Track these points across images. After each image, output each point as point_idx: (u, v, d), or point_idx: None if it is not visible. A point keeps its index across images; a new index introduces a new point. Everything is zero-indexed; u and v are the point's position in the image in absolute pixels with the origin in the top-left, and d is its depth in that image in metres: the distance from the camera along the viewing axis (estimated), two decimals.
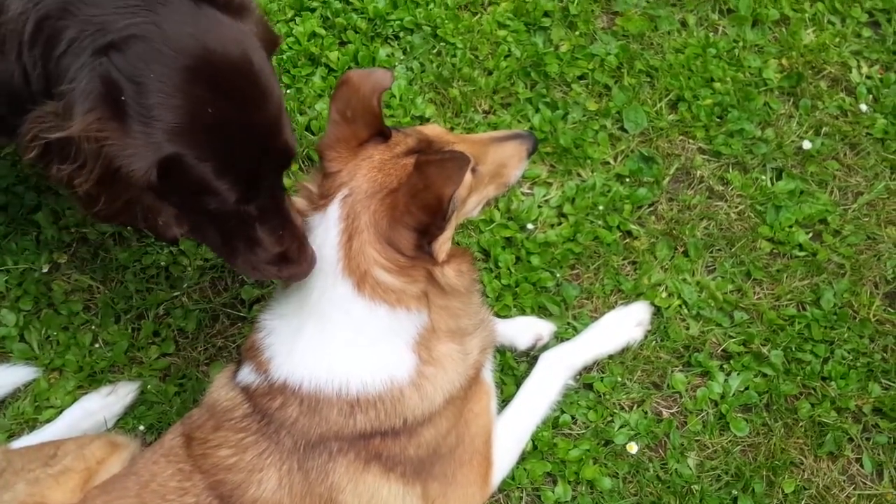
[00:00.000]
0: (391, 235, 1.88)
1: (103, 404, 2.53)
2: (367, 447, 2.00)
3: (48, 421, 2.54)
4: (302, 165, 2.93)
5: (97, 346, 2.66)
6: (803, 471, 2.57)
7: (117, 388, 2.56)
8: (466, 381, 2.16)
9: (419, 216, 1.84)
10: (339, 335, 1.97)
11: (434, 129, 2.12)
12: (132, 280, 2.73)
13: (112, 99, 1.66)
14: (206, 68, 1.71)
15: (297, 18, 3.16)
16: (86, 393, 2.58)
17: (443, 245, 1.95)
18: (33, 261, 2.75)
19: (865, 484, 2.56)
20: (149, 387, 2.58)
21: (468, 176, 2.01)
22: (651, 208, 2.92)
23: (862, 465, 2.58)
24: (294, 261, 1.91)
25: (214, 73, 1.72)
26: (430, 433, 2.09)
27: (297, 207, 2.00)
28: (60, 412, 2.55)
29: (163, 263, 2.76)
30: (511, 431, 2.47)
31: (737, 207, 2.92)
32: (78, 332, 2.66)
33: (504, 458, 2.43)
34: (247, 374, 2.05)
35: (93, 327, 2.68)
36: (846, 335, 2.72)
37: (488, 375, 2.36)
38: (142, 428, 2.53)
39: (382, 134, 1.98)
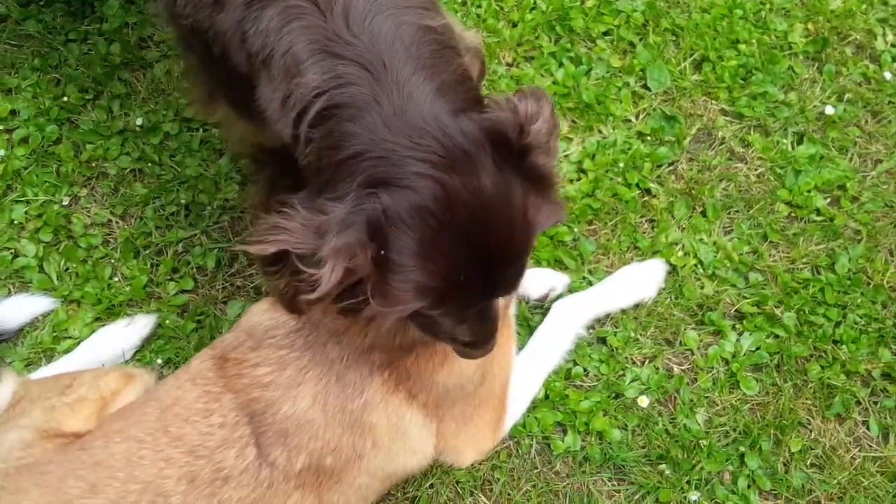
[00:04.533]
0: None
1: (121, 336, 2.55)
2: (403, 364, 2.02)
3: (66, 351, 2.57)
4: None
5: (116, 279, 2.68)
6: (811, 431, 2.59)
7: (135, 320, 2.58)
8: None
9: None
10: None
11: None
12: (152, 216, 2.74)
13: (373, 246, 1.55)
14: (476, 238, 1.58)
15: None
16: (104, 325, 2.60)
17: None
18: (53, 193, 2.76)
19: (871, 446, 2.58)
20: (167, 322, 2.60)
21: None
22: (671, 167, 2.92)
23: (868, 428, 2.60)
24: (478, 346, 1.85)
25: (483, 242, 1.59)
26: None
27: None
28: (78, 343, 2.57)
29: (182, 201, 2.76)
30: (523, 377, 2.49)
31: (756, 170, 2.93)
32: (97, 266, 2.68)
33: (516, 404, 2.46)
34: None
35: (112, 261, 2.69)
36: (859, 300, 2.73)
37: (512, 314, 2.37)
38: (159, 361, 2.56)
39: None
